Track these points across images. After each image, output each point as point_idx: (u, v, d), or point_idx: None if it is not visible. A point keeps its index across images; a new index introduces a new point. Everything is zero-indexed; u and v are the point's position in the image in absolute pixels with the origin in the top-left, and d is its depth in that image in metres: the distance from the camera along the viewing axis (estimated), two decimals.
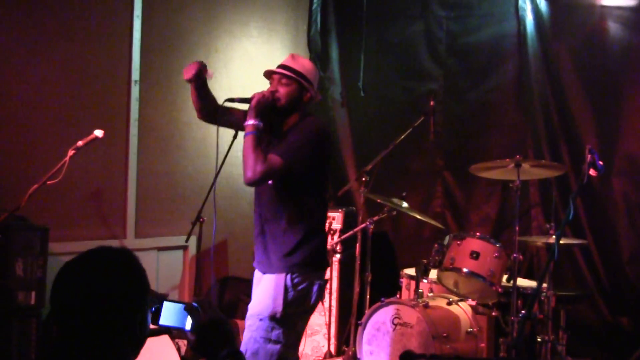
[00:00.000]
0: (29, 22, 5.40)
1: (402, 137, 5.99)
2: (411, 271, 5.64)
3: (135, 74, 6.00)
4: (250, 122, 3.72)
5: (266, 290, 3.80)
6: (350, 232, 5.91)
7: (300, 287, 3.78)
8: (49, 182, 4.22)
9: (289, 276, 3.76)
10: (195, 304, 2.29)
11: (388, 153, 5.98)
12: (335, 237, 6.12)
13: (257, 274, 3.98)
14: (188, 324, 2.30)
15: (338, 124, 7.39)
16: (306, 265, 3.80)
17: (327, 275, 5.89)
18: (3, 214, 4.41)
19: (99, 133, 4.37)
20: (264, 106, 3.77)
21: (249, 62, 7.02)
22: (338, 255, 6.16)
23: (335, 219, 6.22)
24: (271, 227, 3.87)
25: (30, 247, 4.68)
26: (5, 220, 4.40)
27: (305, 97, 3.88)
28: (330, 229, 6.13)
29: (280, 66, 3.90)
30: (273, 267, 3.83)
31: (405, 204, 5.72)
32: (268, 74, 3.96)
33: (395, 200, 5.70)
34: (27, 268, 4.66)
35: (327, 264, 4.05)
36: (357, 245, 5.89)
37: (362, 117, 7.30)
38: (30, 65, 5.39)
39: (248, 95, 3.84)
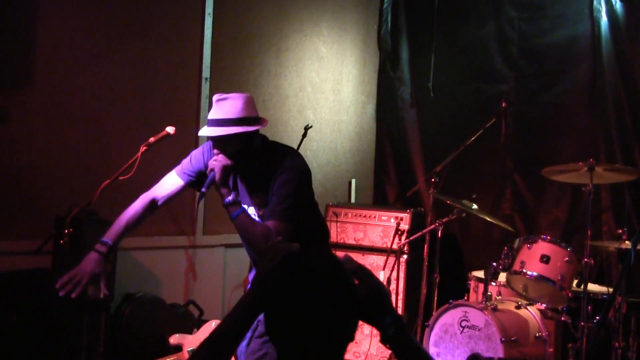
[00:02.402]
0: (102, 20, 5.45)
1: (473, 138, 5.89)
2: (479, 274, 5.58)
3: (206, 72, 6.02)
4: (229, 198, 3.45)
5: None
6: (419, 233, 5.83)
7: None
8: (120, 178, 4.21)
9: None
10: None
11: (458, 154, 5.89)
12: (403, 238, 6.05)
13: None
14: None
15: (407, 124, 7.35)
16: None
17: (386, 275, 5.85)
18: (75, 209, 4.44)
19: (170, 130, 4.34)
20: (229, 173, 3.53)
21: (319, 61, 7.00)
22: (405, 256, 6.08)
23: (402, 220, 6.15)
24: None
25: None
26: (77, 215, 4.43)
27: (255, 136, 3.57)
28: (398, 229, 6.07)
29: (213, 123, 3.49)
30: None
31: (475, 206, 5.63)
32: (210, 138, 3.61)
33: (465, 202, 5.61)
34: None
35: None
36: (425, 246, 5.81)
37: (431, 118, 7.24)
38: (103, 64, 5.43)
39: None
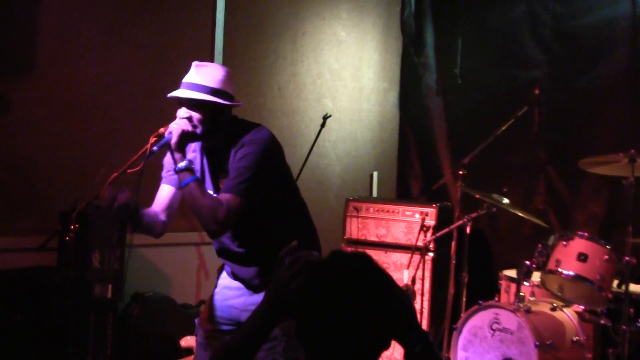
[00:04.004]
0: (108, 4, 5.46)
1: (503, 128, 5.87)
2: (511, 273, 5.56)
3: (218, 58, 6.02)
4: (183, 164, 3.42)
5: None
6: (446, 230, 5.81)
7: None
8: (128, 171, 4.20)
9: None
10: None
11: (487, 145, 5.87)
12: (429, 235, 6.05)
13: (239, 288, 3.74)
14: None
15: (432, 113, 7.35)
16: None
17: (411, 274, 5.85)
18: (81, 203, 4.45)
19: None
20: (187, 140, 3.50)
21: (338, 46, 7.00)
22: (431, 254, 6.08)
23: (428, 215, 6.14)
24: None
25: (107, 238, 4.73)
26: (83, 209, 4.43)
27: (224, 112, 3.55)
28: (423, 225, 6.07)
29: (186, 85, 3.52)
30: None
31: (505, 200, 5.60)
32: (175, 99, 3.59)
33: (495, 195, 5.59)
34: (104, 260, 4.71)
35: None
36: (453, 243, 5.79)
37: (458, 106, 7.22)
38: (110, 49, 5.43)
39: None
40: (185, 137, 3.48)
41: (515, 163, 6.78)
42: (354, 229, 6.36)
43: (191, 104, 3.48)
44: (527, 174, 6.72)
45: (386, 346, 2.05)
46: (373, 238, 6.32)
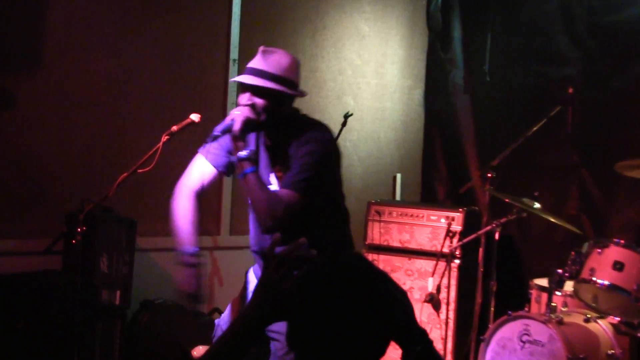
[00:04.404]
0: None
1: (535, 128, 5.81)
2: (542, 281, 5.51)
3: (234, 53, 6.02)
4: (244, 153, 3.49)
5: None
6: (473, 235, 5.76)
7: None
8: (139, 171, 4.20)
9: None
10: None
11: (518, 146, 5.82)
12: (455, 241, 5.99)
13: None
14: None
15: (459, 112, 7.29)
16: None
17: (436, 282, 5.81)
18: (88, 205, 4.43)
19: (195, 117, 4.31)
20: (249, 128, 3.55)
21: (360, 40, 6.98)
22: (457, 261, 6.02)
23: (454, 220, 6.09)
24: None
25: (116, 242, 4.72)
26: (91, 211, 4.42)
27: (287, 102, 3.64)
28: (449, 230, 6.02)
29: (251, 71, 3.58)
30: None
31: (537, 205, 5.55)
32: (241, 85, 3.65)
33: (525, 200, 5.54)
34: (113, 264, 4.70)
35: None
36: (480, 250, 5.74)
37: (487, 105, 7.17)
38: (120, 43, 5.45)
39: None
40: (248, 125, 3.52)
41: (547, 166, 6.72)
42: (376, 234, 6.31)
43: (256, 91, 3.52)
44: (560, 178, 6.66)
45: (383, 351, 2.03)
46: (396, 244, 6.26)
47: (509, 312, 5.09)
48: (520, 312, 5.13)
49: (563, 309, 5.35)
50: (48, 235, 4.64)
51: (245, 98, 3.54)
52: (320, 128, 3.66)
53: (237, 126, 3.49)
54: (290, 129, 3.60)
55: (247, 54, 5.96)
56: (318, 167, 3.50)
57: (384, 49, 7.25)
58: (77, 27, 5.23)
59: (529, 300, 5.58)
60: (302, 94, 3.65)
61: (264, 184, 3.49)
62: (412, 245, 6.23)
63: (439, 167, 7.50)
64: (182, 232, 3.73)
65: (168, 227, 5.01)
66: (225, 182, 5.88)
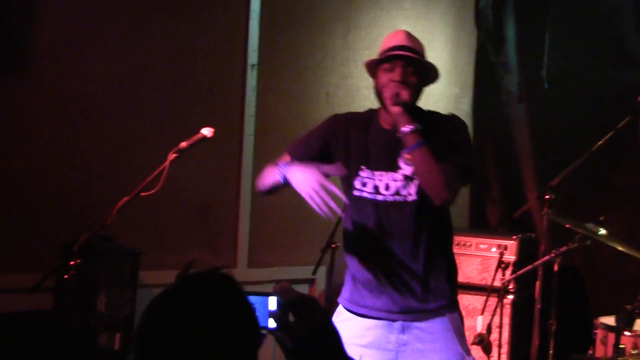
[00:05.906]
0: None
1: (601, 142, 5.79)
2: (609, 320, 5.45)
3: (253, 57, 6.06)
4: (413, 126, 3.70)
5: (447, 337, 3.95)
6: (529, 267, 5.74)
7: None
8: (142, 194, 4.21)
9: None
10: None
11: (581, 163, 5.79)
12: (508, 273, 5.98)
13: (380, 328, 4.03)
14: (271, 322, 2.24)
15: (514, 124, 7.30)
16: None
17: (486, 321, 5.81)
18: (85, 234, 4.43)
19: (207, 132, 4.34)
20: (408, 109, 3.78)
21: None
22: (511, 297, 6.04)
23: (507, 249, 6.11)
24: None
25: (116, 277, 4.74)
26: (87, 241, 4.42)
27: (421, 93, 3.95)
28: (501, 261, 6.01)
29: (404, 48, 3.82)
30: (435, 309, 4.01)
31: (603, 231, 5.52)
32: (389, 58, 3.84)
33: (590, 225, 5.52)
34: (112, 303, 4.71)
35: None
36: (538, 283, 5.72)
37: (545, 116, 7.15)
38: (124, 46, 5.51)
39: None
40: (407, 106, 3.77)
41: (615, 186, 6.71)
42: None
43: (412, 69, 3.81)
44: (630, 200, 6.63)
45: None
46: None
47: (571, 354, 5.13)
48: (584, 356, 5.16)
49: (633, 352, 5.31)
50: (42, 269, 4.66)
51: (398, 73, 3.76)
52: (457, 118, 4.07)
53: (405, 96, 3.72)
54: (422, 116, 3.84)
55: (268, 58, 6.03)
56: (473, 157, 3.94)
57: (427, 51, 7.21)
58: (76, 24, 5.29)
59: (593, 342, 5.53)
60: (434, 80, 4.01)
61: (434, 157, 3.70)
62: (460, 279, 6.13)
63: (490, 187, 7.50)
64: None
65: (175, 259, 5.04)
66: (242, 209, 5.89)
